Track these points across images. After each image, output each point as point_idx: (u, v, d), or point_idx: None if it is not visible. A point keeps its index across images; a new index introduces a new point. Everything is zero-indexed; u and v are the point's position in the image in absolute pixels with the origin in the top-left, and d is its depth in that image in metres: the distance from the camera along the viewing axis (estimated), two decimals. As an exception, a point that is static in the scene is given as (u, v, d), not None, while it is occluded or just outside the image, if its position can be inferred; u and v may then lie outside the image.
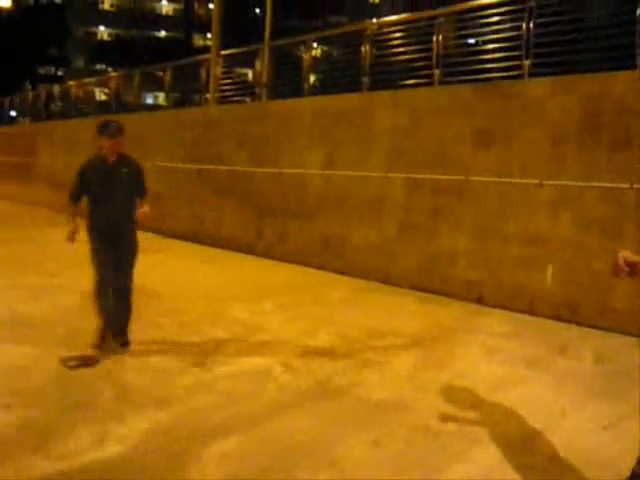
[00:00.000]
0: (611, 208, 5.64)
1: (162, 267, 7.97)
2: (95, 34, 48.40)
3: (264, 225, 9.31)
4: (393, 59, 8.38)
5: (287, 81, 10.29)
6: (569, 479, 3.02)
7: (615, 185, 5.59)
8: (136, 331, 4.81)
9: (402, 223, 7.41)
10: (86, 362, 4.29)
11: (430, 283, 6.96)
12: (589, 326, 5.69)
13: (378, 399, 3.91)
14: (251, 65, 10.72)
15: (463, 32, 7.80)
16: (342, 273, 7.88)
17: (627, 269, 2.18)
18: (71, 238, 4.48)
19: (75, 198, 4.59)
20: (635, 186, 5.46)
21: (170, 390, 3.94)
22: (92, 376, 4.13)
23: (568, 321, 5.86)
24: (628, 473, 2.58)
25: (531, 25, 6.42)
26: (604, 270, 5.65)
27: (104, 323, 4.53)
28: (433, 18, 7.54)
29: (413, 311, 6.20)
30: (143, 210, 4.56)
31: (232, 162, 9.83)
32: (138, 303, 4.90)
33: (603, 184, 5.67)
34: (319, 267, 8.21)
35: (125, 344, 4.64)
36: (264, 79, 10.00)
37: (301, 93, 9.22)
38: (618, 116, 5.62)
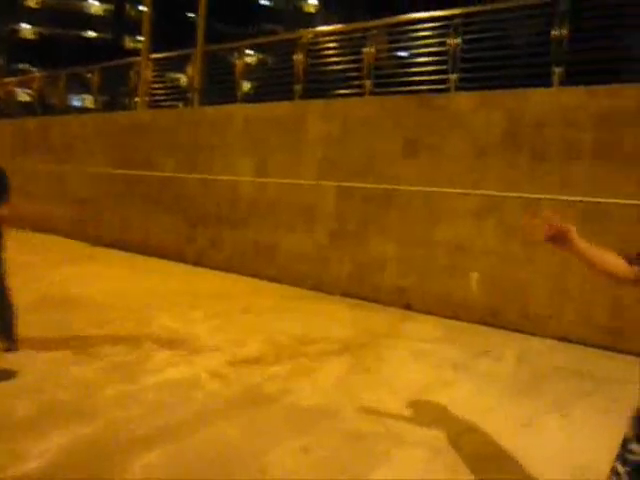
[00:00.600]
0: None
1: (89, 276, 7.72)
2: (18, 32, 46.31)
3: (195, 232, 9.17)
4: (326, 69, 8.49)
5: (220, 87, 10.21)
6: (493, 476, 3.13)
7: (534, 196, 5.88)
8: (59, 342, 4.62)
9: (333, 231, 7.49)
10: None
11: (361, 290, 7.06)
12: (511, 330, 5.94)
13: (308, 405, 3.92)
14: (183, 70, 10.56)
15: (394, 45, 7.98)
16: (274, 280, 7.86)
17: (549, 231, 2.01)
18: None
19: None
20: (552, 197, 5.77)
21: (94, 402, 3.79)
22: (8, 391, 3.93)
23: (492, 325, 6.10)
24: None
25: (458, 41, 6.68)
26: (525, 277, 5.94)
27: None
28: (366, 30, 7.70)
29: (343, 318, 6.26)
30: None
31: (162, 168, 9.64)
32: (63, 313, 4.72)
33: (524, 194, 5.95)
34: (251, 274, 8.16)
35: (9, 349, 4.52)
36: (196, 84, 9.88)
37: (234, 100, 9.17)
38: (536, 130, 5.92)
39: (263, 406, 3.88)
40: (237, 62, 9.27)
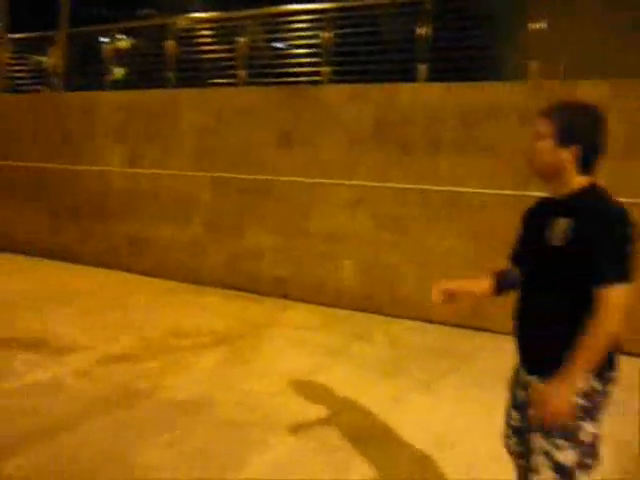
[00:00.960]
0: (399, 206, 6.21)
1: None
2: None
3: (63, 226, 8.62)
4: (200, 57, 8.30)
5: (88, 73, 9.63)
6: (368, 451, 3.25)
7: (402, 186, 6.17)
8: None
9: (209, 222, 7.38)
10: None
11: (238, 281, 7.02)
12: (384, 314, 6.20)
13: (181, 399, 3.85)
14: (47, 53, 9.82)
15: (269, 36, 7.98)
16: (149, 274, 7.60)
17: (444, 297, 2.25)
18: None
19: None
20: (419, 187, 6.09)
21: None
22: None
23: (366, 311, 6.33)
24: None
25: (331, 34, 6.81)
26: (395, 263, 6.23)
27: None
28: (241, 19, 7.62)
29: (220, 309, 6.20)
30: None
31: (25, 158, 8.94)
32: None
33: (394, 185, 6.23)
34: (124, 269, 7.83)
35: None
36: (60, 69, 9.25)
37: (102, 86, 8.71)
38: (403, 123, 6.20)
39: (133, 404, 3.75)
40: (106, 47, 8.81)
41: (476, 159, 5.76)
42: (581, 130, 1.96)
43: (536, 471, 1.95)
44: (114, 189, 8.14)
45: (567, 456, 1.89)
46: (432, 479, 3.04)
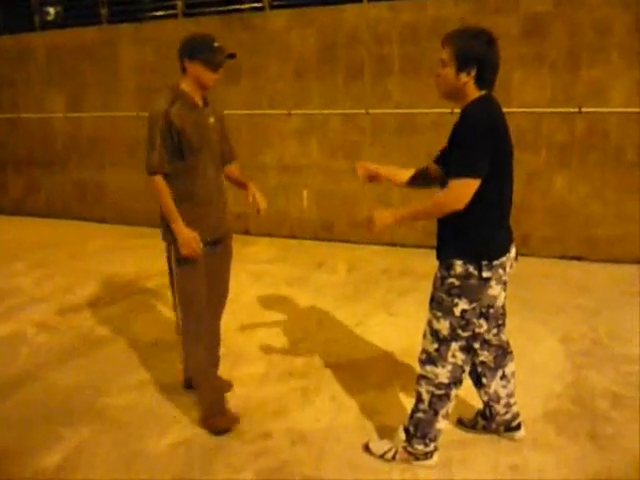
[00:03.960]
0: (351, 133, 6.16)
1: None
2: None
3: (7, 179, 8.31)
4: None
5: (16, 14, 9.00)
6: (336, 374, 3.37)
7: (353, 111, 6.09)
8: None
9: (161, 163, 7.19)
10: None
11: (197, 221, 6.95)
12: (343, 241, 6.27)
13: (147, 341, 3.88)
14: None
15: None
16: (103, 222, 7.47)
17: (366, 175, 2.62)
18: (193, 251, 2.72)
19: (162, 167, 2.67)
20: (370, 111, 6.03)
21: None
22: None
23: (325, 240, 6.39)
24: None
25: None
26: (351, 190, 6.24)
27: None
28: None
29: (180, 250, 6.16)
30: (258, 196, 3.00)
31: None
32: None
33: (343, 111, 6.14)
34: (77, 218, 7.67)
35: None
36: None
37: (33, 27, 8.18)
38: (350, 47, 6.05)
39: (98, 349, 3.77)
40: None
41: (425, 79, 5.69)
42: (476, 53, 2.19)
43: (424, 336, 2.44)
44: (57, 136, 7.82)
45: (442, 325, 2.33)
46: (402, 387, 3.17)
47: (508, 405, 2.61)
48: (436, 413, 2.42)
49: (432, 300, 2.39)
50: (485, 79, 2.23)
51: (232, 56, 2.81)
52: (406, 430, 2.50)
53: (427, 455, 2.49)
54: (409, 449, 2.49)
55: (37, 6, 8.18)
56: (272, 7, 6.59)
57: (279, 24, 6.39)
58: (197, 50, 2.69)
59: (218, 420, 2.82)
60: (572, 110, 5.36)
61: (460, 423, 2.81)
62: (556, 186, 5.53)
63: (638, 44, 5.10)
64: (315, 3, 6.41)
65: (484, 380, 2.58)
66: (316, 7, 6.34)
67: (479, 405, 2.76)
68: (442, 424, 2.46)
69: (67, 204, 7.87)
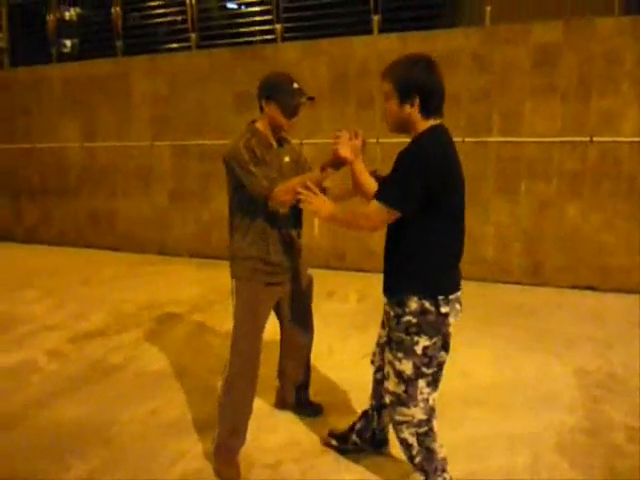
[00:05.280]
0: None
1: None
2: None
3: (22, 207, 8.42)
4: (149, 22, 8.01)
5: (33, 46, 9.23)
6: (338, 405, 3.32)
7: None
8: None
9: (173, 192, 7.28)
10: None
11: (207, 249, 6.98)
12: (355, 270, 6.26)
13: (156, 370, 3.86)
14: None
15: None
16: (115, 249, 7.52)
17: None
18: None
19: (271, 185, 2.54)
20: (380, 140, 6.07)
21: None
22: None
23: (337, 269, 6.38)
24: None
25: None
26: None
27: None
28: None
29: (191, 278, 6.18)
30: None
31: (-26, 139, 8.65)
32: None
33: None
34: (89, 246, 7.74)
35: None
36: (4, 43, 8.87)
37: (50, 59, 8.38)
38: (361, 77, 6.13)
39: (108, 378, 3.74)
40: (50, 17, 8.44)
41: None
42: (416, 82, 2.13)
43: (387, 378, 2.35)
44: (71, 165, 7.95)
45: (405, 365, 2.25)
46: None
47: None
48: (430, 449, 2.34)
49: (391, 340, 2.30)
50: (430, 107, 2.16)
51: (311, 99, 2.73)
52: (423, 471, 2.37)
53: None
54: None
55: (54, 38, 8.40)
56: (284, 39, 6.72)
57: (291, 55, 6.50)
58: (275, 91, 2.65)
59: (224, 467, 2.67)
60: (584, 139, 5.37)
61: (331, 438, 2.85)
62: (568, 215, 5.51)
63: (648, 74, 5.13)
64: (326, 35, 6.54)
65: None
66: (327, 39, 6.47)
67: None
68: (442, 452, 2.37)
69: (80, 232, 7.95)
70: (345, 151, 2.41)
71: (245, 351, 2.69)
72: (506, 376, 3.64)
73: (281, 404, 3.27)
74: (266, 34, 6.88)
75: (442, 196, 2.13)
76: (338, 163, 2.46)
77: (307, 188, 2.38)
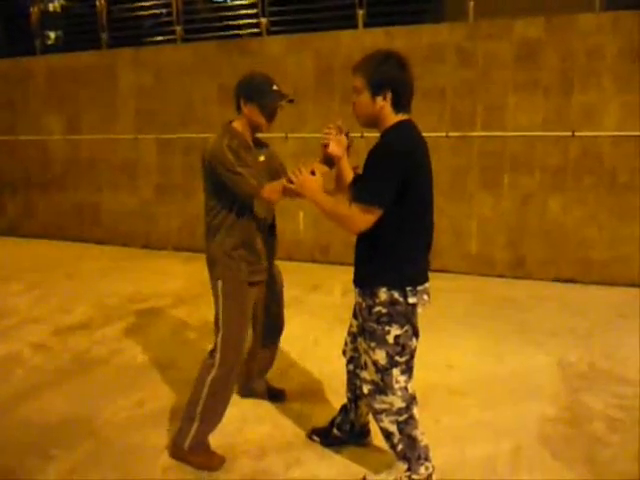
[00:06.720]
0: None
1: None
2: None
3: (4, 199, 8.34)
4: (134, 14, 7.95)
5: (17, 38, 9.11)
6: (324, 397, 3.35)
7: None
8: None
9: (158, 185, 7.25)
10: None
11: (193, 243, 6.96)
12: (339, 264, 6.27)
13: (141, 362, 3.86)
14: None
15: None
16: (100, 242, 7.48)
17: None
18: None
19: (260, 184, 2.53)
20: (365, 135, 6.08)
21: None
22: None
23: (321, 262, 6.40)
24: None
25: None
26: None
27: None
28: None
29: (176, 272, 6.17)
30: None
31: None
32: None
33: (340, 134, 6.19)
34: (74, 239, 7.68)
35: None
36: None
37: (33, 51, 8.29)
38: (346, 72, 6.13)
39: (93, 371, 3.74)
40: (34, 9, 8.34)
41: (420, 103, 5.76)
42: (389, 76, 2.18)
43: (364, 368, 2.40)
44: (55, 158, 7.89)
45: (379, 355, 2.29)
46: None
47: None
48: (411, 436, 2.37)
49: (364, 331, 2.35)
50: (401, 102, 2.21)
51: (291, 101, 2.70)
52: (406, 459, 2.40)
53: (429, 478, 2.44)
54: (414, 476, 2.41)
55: (38, 30, 8.30)
56: (269, 33, 6.71)
57: (276, 49, 6.50)
58: (255, 92, 2.62)
59: (206, 459, 2.66)
60: (566, 134, 5.44)
61: (314, 434, 2.87)
62: (551, 209, 5.58)
63: (629, 69, 5.21)
64: (311, 29, 6.54)
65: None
66: (312, 33, 6.46)
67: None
68: (424, 440, 2.41)
69: (64, 225, 7.89)
70: (336, 148, 2.45)
71: (239, 352, 2.68)
72: (489, 367, 3.70)
73: (245, 392, 3.29)
74: (251, 28, 6.86)
75: (411, 189, 2.17)
76: (329, 160, 2.47)
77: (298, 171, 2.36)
